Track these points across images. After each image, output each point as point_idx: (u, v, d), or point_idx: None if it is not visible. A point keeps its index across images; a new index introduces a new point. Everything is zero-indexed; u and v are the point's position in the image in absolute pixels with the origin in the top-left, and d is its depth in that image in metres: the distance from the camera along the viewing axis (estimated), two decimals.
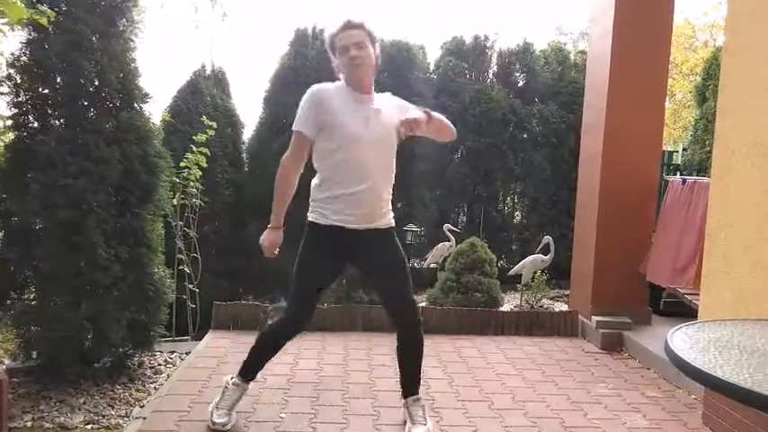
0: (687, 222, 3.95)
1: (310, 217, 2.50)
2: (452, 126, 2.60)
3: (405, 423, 2.63)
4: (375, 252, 2.50)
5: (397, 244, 2.58)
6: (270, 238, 2.51)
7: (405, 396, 2.66)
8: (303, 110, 2.43)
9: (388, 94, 2.61)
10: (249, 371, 2.65)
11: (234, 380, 2.66)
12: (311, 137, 2.43)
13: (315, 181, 2.52)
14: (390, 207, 2.55)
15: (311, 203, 2.52)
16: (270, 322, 2.77)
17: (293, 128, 2.46)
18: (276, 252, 2.52)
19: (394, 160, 2.53)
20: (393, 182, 2.55)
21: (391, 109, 2.50)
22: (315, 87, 2.45)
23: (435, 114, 2.47)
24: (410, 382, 2.66)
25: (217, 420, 2.56)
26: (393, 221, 2.57)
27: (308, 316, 2.55)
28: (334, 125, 2.39)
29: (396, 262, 2.53)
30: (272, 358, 2.66)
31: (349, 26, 2.44)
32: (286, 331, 2.60)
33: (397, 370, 2.71)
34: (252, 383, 2.71)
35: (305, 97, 2.45)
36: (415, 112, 2.40)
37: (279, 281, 6.47)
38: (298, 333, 2.61)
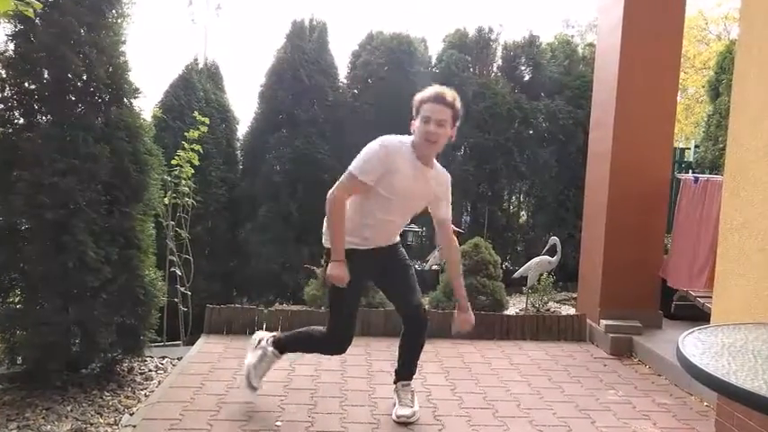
0: (701, 223, 3.96)
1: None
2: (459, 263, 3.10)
3: (394, 405, 2.92)
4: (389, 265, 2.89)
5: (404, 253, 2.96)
6: (338, 273, 2.64)
7: (396, 381, 2.98)
8: (368, 161, 2.64)
9: (440, 171, 2.86)
10: (285, 348, 2.98)
11: (273, 350, 2.94)
12: (370, 185, 2.67)
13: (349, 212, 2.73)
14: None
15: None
16: (321, 330, 2.91)
17: (354, 172, 2.65)
18: (346, 283, 2.66)
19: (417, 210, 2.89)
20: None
21: (434, 185, 2.80)
22: (386, 141, 2.69)
23: (464, 298, 2.95)
24: (405, 370, 2.97)
25: (256, 385, 2.94)
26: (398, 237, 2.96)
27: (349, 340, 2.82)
28: (392, 182, 2.66)
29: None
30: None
31: (441, 101, 2.65)
32: (324, 349, 2.97)
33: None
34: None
35: (374, 147, 2.66)
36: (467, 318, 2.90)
37: (273, 283, 6.49)
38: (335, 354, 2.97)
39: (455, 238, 2.99)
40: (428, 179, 2.76)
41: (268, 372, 3.00)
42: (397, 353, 3.01)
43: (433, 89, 2.71)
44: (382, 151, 2.63)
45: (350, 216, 2.70)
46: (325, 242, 2.79)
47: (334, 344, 2.83)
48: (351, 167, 2.66)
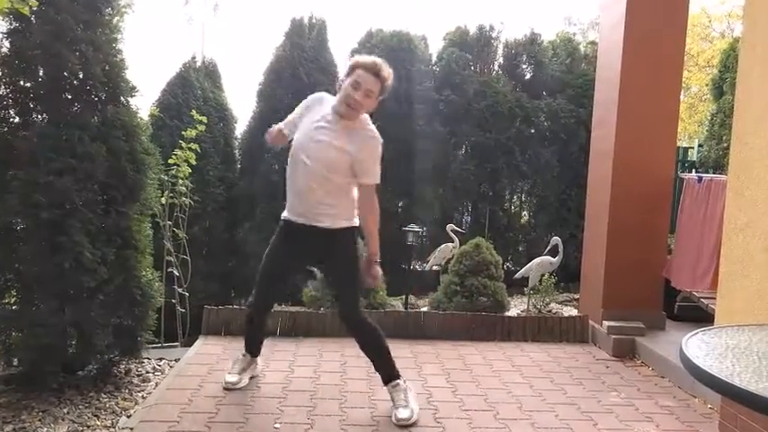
0: (705, 223, 3.95)
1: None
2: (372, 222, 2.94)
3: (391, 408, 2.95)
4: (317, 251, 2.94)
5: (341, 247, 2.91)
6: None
7: (384, 384, 3.00)
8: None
9: (365, 132, 2.83)
10: (248, 346, 3.23)
11: (242, 352, 3.24)
12: (286, 132, 2.91)
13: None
14: (335, 211, 2.84)
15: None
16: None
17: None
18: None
19: (339, 170, 2.80)
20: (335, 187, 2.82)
21: (347, 140, 2.77)
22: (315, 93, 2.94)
23: (372, 247, 2.93)
24: (380, 372, 2.99)
25: (228, 379, 3.15)
26: (340, 224, 2.87)
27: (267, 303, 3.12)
28: (298, 127, 2.87)
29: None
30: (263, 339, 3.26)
31: (376, 73, 2.74)
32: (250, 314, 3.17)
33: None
34: (246, 389, 3.14)
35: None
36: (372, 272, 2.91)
37: None
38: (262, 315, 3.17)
39: (375, 205, 2.91)
40: (339, 130, 2.78)
41: (245, 371, 3.22)
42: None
43: (373, 59, 2.79)
44: (311, 96, 2.99)
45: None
46: None
47: (258, 308, 3.10)
48: None
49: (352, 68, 2.77)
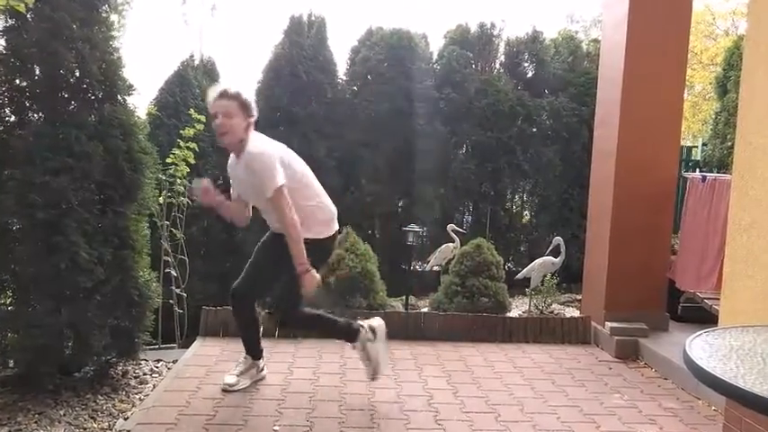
0: (710, 223, 3.95)
1: None
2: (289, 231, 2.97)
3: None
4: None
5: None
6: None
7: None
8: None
9: (249, 158, 2.94)
10: (247, 349, 3.28)
11: (245, 355, 3.28)
12: None
13: None
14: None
15: None
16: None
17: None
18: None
19: (257, 200, 3.08)
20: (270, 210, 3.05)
21: (243, 172, 2.97)
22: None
23: (296, 254, 2.92)
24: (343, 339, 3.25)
25: (226, 380, 3.17)
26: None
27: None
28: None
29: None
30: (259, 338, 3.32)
31: (224, 96, 2.93)
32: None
33: (397, 379, 3.37)
34: (244, 391, 3.13)
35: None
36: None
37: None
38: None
39: (281, 213, 2.95)
40: (239, 167, 3.00)
41: (245, 374, 3.23)
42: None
43: (214, 89, 3.02)
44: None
45: None
46: None
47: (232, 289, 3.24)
48: None
49: (210, 109, 3.00)
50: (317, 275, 2.96)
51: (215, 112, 2.91)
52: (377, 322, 3.25)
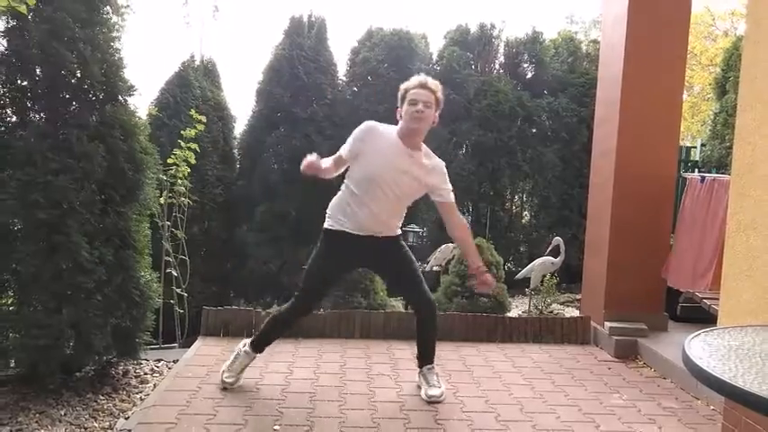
0: (707, 223, 3.95)
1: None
2: (470, 235, 3.30)
3: (419, 388, 3.21)
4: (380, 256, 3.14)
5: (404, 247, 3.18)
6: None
7: (420, 366, 3.23)
8: (350, 138, 3.01)
9: (433, 158, 3.06)
10: (260, 344, 3.22)
11: (246, 348, 3.21)
12: (345, 158, 3.01)
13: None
14: (395, 222, 3.14)
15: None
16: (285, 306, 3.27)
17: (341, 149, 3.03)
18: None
19: (405, 204, 3.13)
20: (402, 209, 3.15)
21: (422, 172, 3.01)
22: (370, 123, 3.01)
23: (475, 265, 3.11)
24: (426, 354, 3.23)
25: (226, 380, 3.15)
26: (396, 232, 3.16)
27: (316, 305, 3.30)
28: (369, 161, 2.96)
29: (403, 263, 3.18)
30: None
31: (425, 86, 2.96)
32: (293, 318, 3.25)
33: (397, 379, 3.33)
34: (245, 391, 3.10)
35: (359, 127, 3.01)
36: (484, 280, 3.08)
37: (271, 284, 6.49)
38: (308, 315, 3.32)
39: (460, 219, 3.20)
40: (413, 162, 2.98)
41: (243, 369, 3.21)
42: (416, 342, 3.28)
43: (417, 78, 3.01)
44: (363, 129, 2.99)
45: (340, 196, 3.07)
46: None
47: (300, 313, 3.22)
48: None
49: (403, 95, 2.99)
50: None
51: (415, 98, 2.93)
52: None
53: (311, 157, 2.95)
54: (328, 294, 3.38)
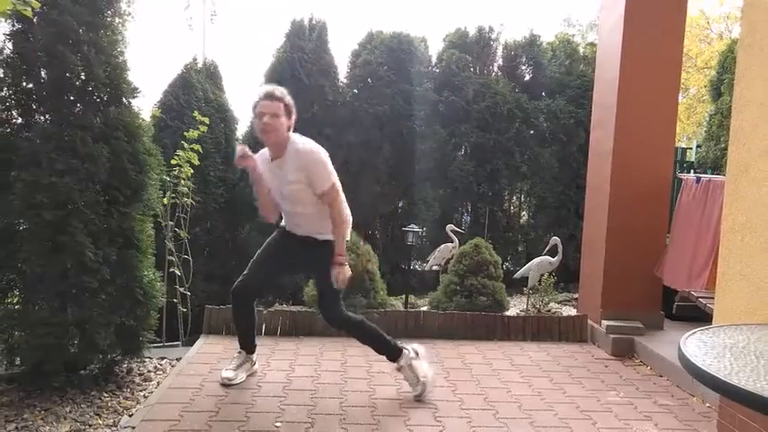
0: (702, 223, 3.95)
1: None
2: (339, 226, 3.07)
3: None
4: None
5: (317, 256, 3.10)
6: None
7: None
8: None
9: (295, 155, 2.99)
10: (245, 344, 3.32)
11: (239, 350, 3.34)
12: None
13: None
14: (311, 226, 3.11)
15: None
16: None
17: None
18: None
19: (304, 198, 3.02)
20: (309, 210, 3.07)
21: (288, 171, 2.98)
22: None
23: (339, 246, 3.04)
24: (384, 356, 3.23)
25: (224, 375, 3.21)
26: (317, 236, 3.11)
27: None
28: None
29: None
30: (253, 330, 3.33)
31: (270, 97, 2.97)
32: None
33: (397, 378, 3.30)
34: (247, 388, 3.16)
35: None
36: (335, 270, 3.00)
37: (272, 284, 6.49)
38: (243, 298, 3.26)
39: (336, 213, 3.04)
40: (279, 168, 3.01)
41: (241, 368, 3.28)
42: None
43: (263, 89, 3.03)
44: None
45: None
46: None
47: (236, 292, 3.21)
48: None
49: (254, 108, 3.00)
50: (349, 271, 3.05)
51: (261, 111, 2.93)
52: (421, 347, 3.29)
53: (243, 152, 3.00)
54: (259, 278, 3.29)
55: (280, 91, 3.01)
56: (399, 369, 3.18)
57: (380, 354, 3.24)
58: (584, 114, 6.71)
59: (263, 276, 3.26)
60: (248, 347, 3.34)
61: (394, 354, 3.19)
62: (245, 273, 3.24)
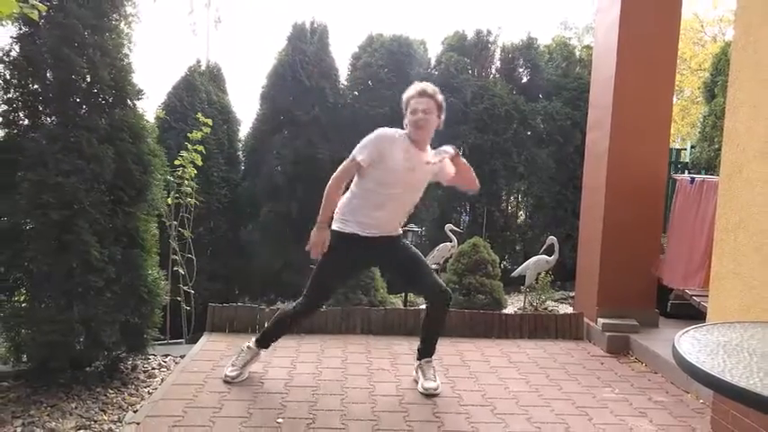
0: (697, 223, 3.95)
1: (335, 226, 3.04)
2: (476, 179, 3.18)
3: (416, 382, 3.22)
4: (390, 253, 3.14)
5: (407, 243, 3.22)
6: (321, 236, 2.96)
7: (419, 359, 3.25)
8: (364, 145, 2.97)
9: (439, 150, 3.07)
10: (265, 340, 3.24)
11: (249, 344, 3.24)
12: (363, 165, 2.96)
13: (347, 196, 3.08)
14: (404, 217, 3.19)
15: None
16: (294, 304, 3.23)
17: (353, 154, 2.96)
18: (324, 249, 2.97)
19: (417, 197, 3.16)
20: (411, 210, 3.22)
21: (430, 166, 3.05)
22: (381, 130, 3.01)
23: (463, 160, 3.10)
24: (427, 348, 3.25)
25: (229, 373, 3.18)
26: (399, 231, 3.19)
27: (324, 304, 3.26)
28: (387, 166, 2.95)
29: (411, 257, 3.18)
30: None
31: (424, 94, 3.02)
32: (299, 318, 3.24)
33: (397, 374, 3.31)
34: (249, 385, 3.06)
35: (370, 135, 2.99)
36: (447, 148, 3.05)
37: (274, 282, 6.49)
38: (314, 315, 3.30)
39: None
40: (423, 161, 3.02)
41: (247, 365, 3.23)
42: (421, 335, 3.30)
43: (415, 86, 3.07)
44: (376, 137, 2.99)
45: (355, 202, 3.04)
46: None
47: (308, 312, 3.19)
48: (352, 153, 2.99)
49: (406, 103, 3.05)
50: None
51: (416, 107, 2.98)
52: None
53: (317, 239, 2.95)
54: (335, 294, 3.31)
55: (432, 88, 3.05)
56: (428, 362, 3.23)
57: (432, 346, 3.27)
58: (581, 116, 6.71)
59: (332, 294, 3.39)
60: (268, 345, 3.29)
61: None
62: (315, 294, 3.11)
